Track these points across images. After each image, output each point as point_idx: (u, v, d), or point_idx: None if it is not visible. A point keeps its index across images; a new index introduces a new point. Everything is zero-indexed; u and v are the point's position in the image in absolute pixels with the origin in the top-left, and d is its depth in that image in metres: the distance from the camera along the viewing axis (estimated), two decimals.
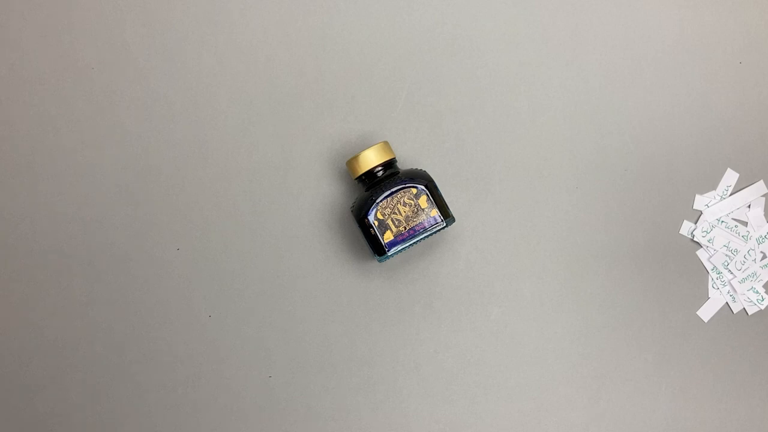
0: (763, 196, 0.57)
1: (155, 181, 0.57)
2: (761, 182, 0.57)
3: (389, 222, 0.50)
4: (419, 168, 0.55)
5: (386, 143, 0.52)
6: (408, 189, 0.50)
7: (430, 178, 0.51)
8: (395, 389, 0.57)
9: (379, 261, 0.52)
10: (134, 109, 0.58)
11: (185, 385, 0.56)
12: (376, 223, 0.50)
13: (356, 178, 0.52)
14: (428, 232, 0.50)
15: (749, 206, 0.57)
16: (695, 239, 0.57)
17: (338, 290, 0.57)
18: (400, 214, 0.50)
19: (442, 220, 0.50)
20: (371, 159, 0.51)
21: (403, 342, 0.57)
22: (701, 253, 0.57)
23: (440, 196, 0.51)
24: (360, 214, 0.50)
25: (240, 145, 0.57)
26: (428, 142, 0.57)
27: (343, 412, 0.56)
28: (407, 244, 0.50)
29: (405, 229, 0.50)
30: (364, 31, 0.58)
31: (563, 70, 0.57)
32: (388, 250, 0.50)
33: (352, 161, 0.52)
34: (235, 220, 0.57)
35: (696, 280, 0.57)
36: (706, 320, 0.57)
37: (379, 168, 0.51)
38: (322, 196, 0.57)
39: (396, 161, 0.53)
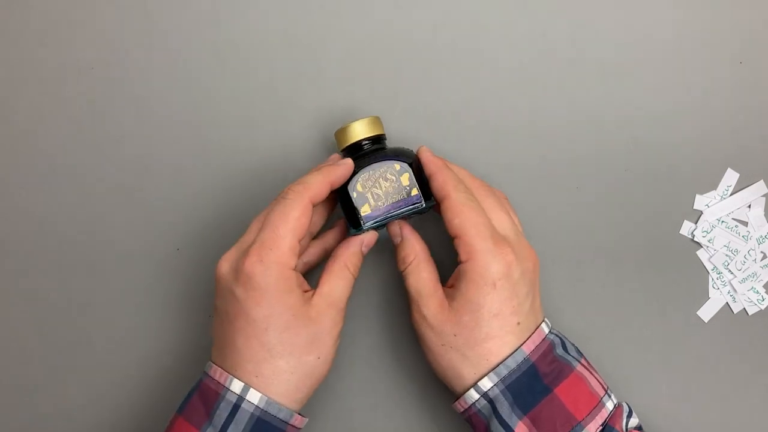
0: (763, 196, 0.57)
1: (155, 181, 0.57)
2: (761, 182, 0.57)
3: (369, 195, 0.48)
4: (408, 147, 0.53)
5: (377, 118, 0.51)
6: (391, 165, 0.49)
7: (417, 157, 0.50)
8: (395, 389, 0.56)
9: (354, 233, 0.51)
10: (134, 109, 0.58)
11: (185, 385, 0.56)
12: (355, 195, 0.48)
13: (342, 150, 0.51)
14: (406, 211, 0.49)
15: (749, 206, 0.57)
16: (695, 239, 0.57)
17: None
18: (381, 189, 0.49)
19: (421, 200, 0.49)
20: (359, 131, 0.50)
21: (403, 342, 0.57)
22: (701, 253, 0.57)
23: (424, 177, 0.50)
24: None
25: (240, 145, 0.57)
26: (428, 142, 0.57)
27: (343, 412, 0.56)
28: (385, 219, 0.49)
29: (383, 204, 0.49)
30: (364, 31, 0.58)
31: (563, 70, 0.57)
32: (365, 224, 0.49)
33: (339, 132, 0.50)
34: (235, 220, 0.57)
35: (696, 280, 0.57)
36: (706, 320, 0.57)
37: (367, 141, 0.50)
38: None
39: (385, 137, 0.52)
